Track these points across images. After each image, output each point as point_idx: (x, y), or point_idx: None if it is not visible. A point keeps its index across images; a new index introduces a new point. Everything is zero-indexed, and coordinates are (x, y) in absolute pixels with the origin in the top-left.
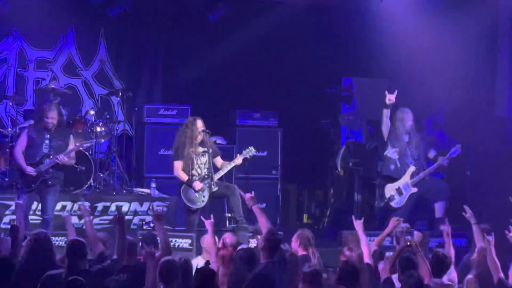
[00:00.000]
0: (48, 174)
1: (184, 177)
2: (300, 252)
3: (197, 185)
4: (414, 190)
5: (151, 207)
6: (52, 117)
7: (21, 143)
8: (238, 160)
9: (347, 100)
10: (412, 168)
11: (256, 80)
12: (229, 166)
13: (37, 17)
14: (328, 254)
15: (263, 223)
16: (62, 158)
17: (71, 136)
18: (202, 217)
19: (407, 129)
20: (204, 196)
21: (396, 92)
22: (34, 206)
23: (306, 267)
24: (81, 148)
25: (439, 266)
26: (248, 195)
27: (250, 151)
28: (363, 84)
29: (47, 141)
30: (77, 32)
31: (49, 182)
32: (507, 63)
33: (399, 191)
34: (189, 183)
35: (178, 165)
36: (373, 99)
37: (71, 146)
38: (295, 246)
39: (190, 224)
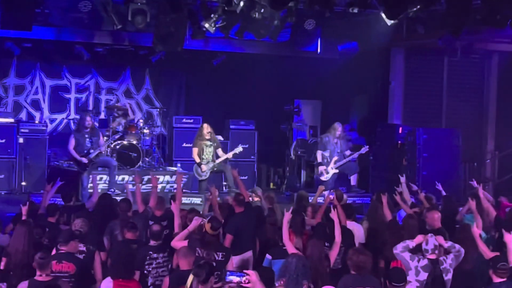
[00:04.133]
0: (95, 160)
1: (197, 160)
2: (267, 206)
3: (203, 167)
4: (336, 171)
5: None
6: (88, 122)
7: (71, 143)
8: (230, 155)
9: (297, 113)
10: (335, 158)
11: (242, 101)
12: (224, 156)
13: (107, 61)
14: (285, 207)
15: (241, 187)
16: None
17: (100, 134)
18: (208, 185)
19: (337, 135)
20: (207, 172)
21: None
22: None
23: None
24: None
25: (350, 211)
26: (234, 171)
27: (238, 149)
28: (306, 103)
29: (88, 139)
30: (132, 71)
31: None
32: (394, 90)
33: (326, 171)
34: (199, 165)
35: (194, 151)
36: (312, 113)
37: (102, 140)
38: (265, 203)
39: (200, 188)
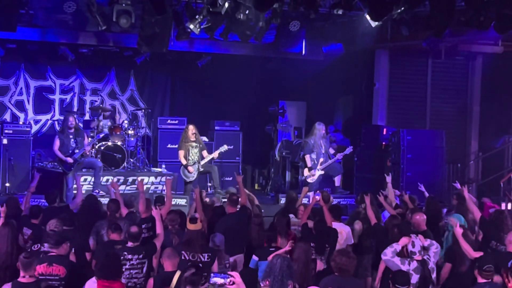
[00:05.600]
0: (80, 160)
1: (183, 162)
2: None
3: (190, 169)
4: (322, 172)
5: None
6: (71, 122)
7: (56, 144)
8: (215, 154)
9: (282, 114)
10: (321, 159)
11: (227, 102)
12: (210, 156)
13: (92, 62)
14: (270, 207)
15: (242, 194)
16: (88, 149)
17: (85, 134)
18: (193, 187)
19: (321, 136)
20: (194, 174)
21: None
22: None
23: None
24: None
25: (337, 213)
26: (239, 177)
27: (224, 148)
28: (291, 104)
29: (72, 140)
30: (116, 72)
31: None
32: (379, 91)
33: (311, 173)
34: (186, 167)
35: (180, 153)
36: (297, 114)
37: (86, 141)
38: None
39: (186, 190)
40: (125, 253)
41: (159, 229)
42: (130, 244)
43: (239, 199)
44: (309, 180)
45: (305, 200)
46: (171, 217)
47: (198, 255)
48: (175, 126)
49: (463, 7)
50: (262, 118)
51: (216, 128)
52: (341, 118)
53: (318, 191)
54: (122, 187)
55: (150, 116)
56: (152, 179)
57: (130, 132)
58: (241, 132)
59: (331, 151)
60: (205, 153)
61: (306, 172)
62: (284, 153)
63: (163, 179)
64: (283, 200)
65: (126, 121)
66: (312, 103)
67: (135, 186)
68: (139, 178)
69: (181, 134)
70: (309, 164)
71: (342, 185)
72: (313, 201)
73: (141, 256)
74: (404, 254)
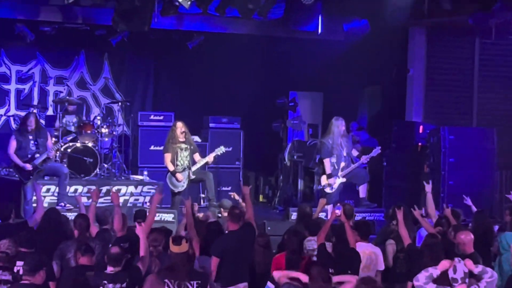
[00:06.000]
0: (41, 166)
1: (170, 168)
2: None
3: (179, 176)
4: (343, 180)
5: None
6: (31, 121)
7: (12, 146)
8: (210, 158)
9: (293, 108)
10: (342, 164)
11: (224, 93)
12: (203, 161)
13: (56, 44)
14: (278, 225)
15: (249, 206)
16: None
17: (48, 134)
18: (183, 198)
19: (341, 133)
20: (184, 182)
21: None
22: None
23: None
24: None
25: (364, 231)
26: (246, 188)
27: (220, 150)
28: (304, 96)
29: (32, 141)
30: (87, 56)
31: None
32: (414, 79)
33: (331, 181)
34: (173, 173)
35: (166, 157)
36: (312, 108)
37: (50, 142)
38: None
39: (173, 203)
40: (105, 281)
41: (143, 250)
42: (110, 269)
43: (243, 213)
44: (327, 190)
45: (322, 215)
46: (153, 237)
47: (185, 284)
48: (160, 123)
49: None
50: (268, 113)
51: (211, 125)
52: (367, 113)
53: (338, 204)
54: None
55: (129, 110)
56: (131, 189)
57: (104, 130)
58: (242, 131)
59: (354, 153)
60: (197, 156)
61: (323, 180)
62: (295, 157)
63: (145, 188)
64: (294, 216)
65: (99, 117)
66: (331, 94)
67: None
68: (114, 188)
69: (168, 133)
70: (327, 169)
71: (368, 197)
72: (333, 216)
73: (124, 284)
74: (443, 281)
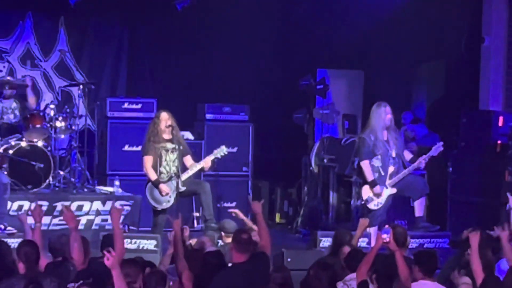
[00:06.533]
0: None
1: (152, 176)
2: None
3: (164, 188)
4: (393, 191)
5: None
6: None
7: None
8: (207, 162)
9: (322, 92)
10: (391, 168)
11: (226, 71)
12: (197, 167)
13: None
14: (300, 255)
15: (262, 229)
16: None
17: None
18: (169, 217)
19: (386, 123)
20: (170, 197)
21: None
22: None
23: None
24: None
25: (427, 264)
26: (257, 204)
27: (222, 151)
28: (338, 76)
29: None
30: (35, 20)
31: None
32: (491, 53)
33: (375, 191)
34: (156, 184)
35: (146, 160)
36: (349, 92)
37: None
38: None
39: (156, 224)
40: None
41: None
42: None
43: (253, 239)
44: (370, 205)
45: (363, 243)
46: (125, 271)
47: None
48: (137, 114)
49: None
50: (287, 100)
51: (209, 116)
52: (425, 100)
53: (386, 226)
54: (46, 220)
55: (94, 96)
56: (97, 205)
57: (59, 124)
58: (251, 124)
59: (408, 156)
60: (188, 160)
61: (366, 191)
62: (326, 160)
63: (116, 205)
64: (324, 242)
65: (52, 106)
66: (375, 74)
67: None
68: (72, 205)
69: (148, 128)
70: (369, 176)
71: (427, 215)
72: (378, 242)
73: None
74: None
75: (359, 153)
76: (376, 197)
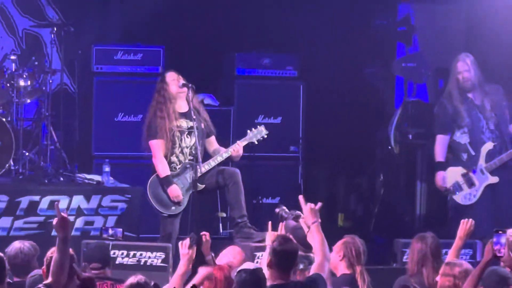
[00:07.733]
0: None
1: (162, 170)
2: (342, 270)
3: (174, 192)
4: (494, 180)
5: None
6: None
7: None
8: (238, 148)
9: (406, 37)
10: (488, 145)
11: (264, 8)
12: (223, 156)
13: None
14: (378, 274)
15: (315, 242)
16: None
17: None
18: (193, 234)
19: (472, 79)
20: (182, 204)
21: None
22: None
23: None
24: None
25: None
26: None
27: (260, 133)
28: (430, 13)
29: None
30: None
31: None
32: None
33: (467, 178)
34: (166, 182)
35: (154, 146)
36: (445, 36)
37: None
38: (335, 260)
39: (164, 233)
40: None
41: None
42: None
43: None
44: (458, 198)
45: (466, 256)
46: None
47: None
48: (134, 69)
49: None
50: (353, 48)
51: (239, 71)
52: None
53: (500, 232)
54: (5, 222)
55: (74, 42)
56: (77, 201)
57: (23, 83)
58: (302, 82)
59: None
60: (211, 143)
61: (452, 175)
62: (411, 136)
63: (106, 200)
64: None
65: (12, 57)
66: (480, 11)
67: (38, 220)
68: (42, 201)
69: (153, 95)
70: (437, 155)
71: None
72: (488, 255)
73: None
74: None
75: (435, 123)
76: (466, 185)
